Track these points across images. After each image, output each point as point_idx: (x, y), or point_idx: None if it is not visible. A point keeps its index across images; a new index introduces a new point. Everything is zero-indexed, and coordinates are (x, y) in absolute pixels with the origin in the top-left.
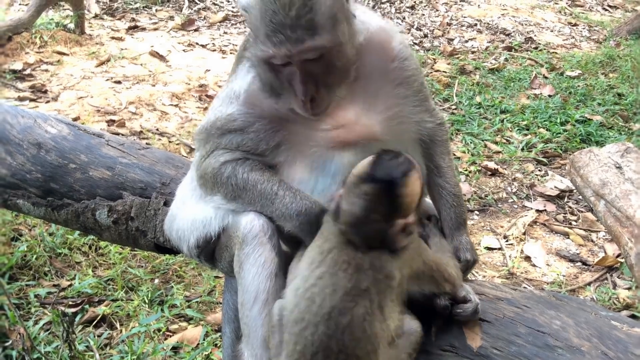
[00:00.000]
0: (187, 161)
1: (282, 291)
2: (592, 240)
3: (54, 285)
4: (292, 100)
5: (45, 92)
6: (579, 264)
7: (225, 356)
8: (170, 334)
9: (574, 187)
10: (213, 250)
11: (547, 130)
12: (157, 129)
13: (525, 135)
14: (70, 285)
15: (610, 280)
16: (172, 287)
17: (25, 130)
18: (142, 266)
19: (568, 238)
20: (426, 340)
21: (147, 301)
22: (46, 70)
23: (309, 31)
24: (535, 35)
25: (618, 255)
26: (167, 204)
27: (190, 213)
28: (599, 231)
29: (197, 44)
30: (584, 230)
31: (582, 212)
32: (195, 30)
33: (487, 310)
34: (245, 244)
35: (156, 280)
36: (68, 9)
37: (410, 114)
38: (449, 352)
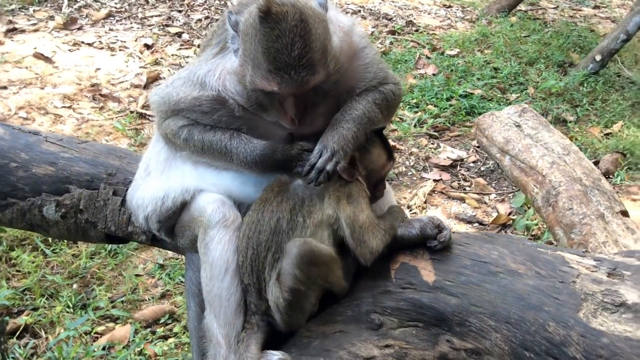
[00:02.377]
0: (129, 151)
1: None
2: (485, 203)
3: None
4: (280, 116)
5: None
6: (477, 224)
7: (191, 328)
8: (99, 335)
9: (464, 157)
10: (173, 226)
11: (435, 106)
12: (53, 133)
13: (416, 112)
14: None
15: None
16: (94, 289)
17: None
18: (59, 272)
19: (464, 202)
20: (386, 282)
21: (70, 306)
22: None
23: (311, 70)
24: (414, 19)
25: (510, 214)
26: (116, 193)
27: (154, 184)
28: (490, 194)
29: (82, 42)
30: (477, 194)
31: (473, 178)
32: (79, 29)
33: (436, 250)
34: (210, 229)
35: (75, 285)
36: None
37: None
38: (408, 289)
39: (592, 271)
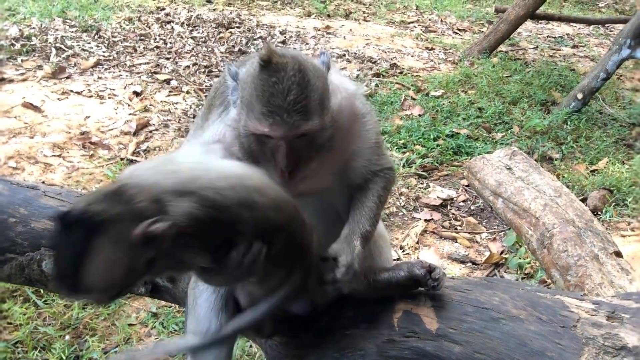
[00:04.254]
0: None
1: None
2: (477, 242)
3: None
4: (272, 168)
5: None
6: (469, 264)
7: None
8: None
9: (454, 196)
10: None
11: (422, 146)
12: (44, 182)
13: (404, 153)
14: None
15: (499, 275)
16: (86, 340)
17: None
18: (51, 324)
19: (456, 242)
20: (390, 331)
21: (63, 358)
22: None
23: (304, 116)
24: (398, 61)
25: (502, 252)
26: None
27: None
28: (481, 232)
29: (71, 91)
30: (469, 233)
31: (464, 217)
32: (68, 77)
33: (437, 297)
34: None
35: (67, 337)
36: None
37: (361, 164)
38: (412, 337)
39: (592, 315)
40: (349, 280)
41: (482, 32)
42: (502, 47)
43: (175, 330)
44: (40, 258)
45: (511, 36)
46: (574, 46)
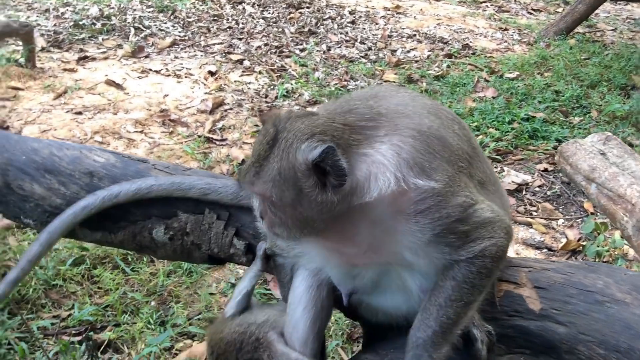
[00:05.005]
0: (229, 178)
1: None
2: (553, 228)
3: (54, 317)
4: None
5: (7, 128)
6: (545, 250)
7: None
8: (178, 352)
9: (530, 181)
10: None
11: (496, 129)
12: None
13: (477, 135)
14: (69, 315)
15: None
16: (171, 307)
17: (74, 161)
18: (138, 290)
19: (532, 227)
20: (492, 309)
21: (151, 322)
22: (3, 107)
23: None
24: (471, 42)
25: (579, 239)
26: (219, 217)
27: None
28: (558, 219)
29: (150, 70)
30: (545, 219)
31: (540, 202)
32: (146, 56)
33: (539, 279)
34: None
35: (153, 302)
36: (14, 44)
37: (430, 250)
38: (515, 317)
39: None
40: None
41: (558, 12)
42: (579, 29)
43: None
44: (151, 226)
45: (589, 17)
46: None
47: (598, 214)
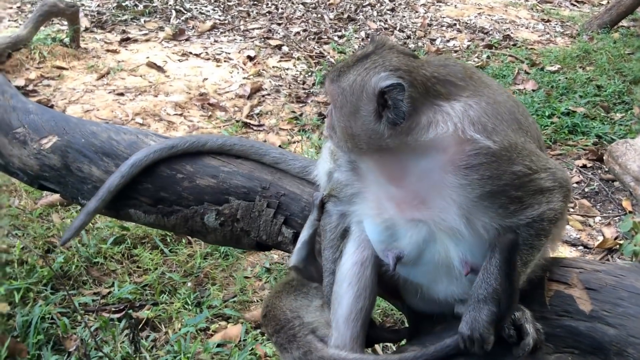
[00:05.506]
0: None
1: None
2: (589, 225)
3: (94, 293)
4: None
5: (52, 107)
6: (581, 247)
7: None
8: (213, 333)
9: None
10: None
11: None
12: None
13: None
14: (109, 293)
15: (612, 261)
16: (207, 288)
17: (131, 146)
18: (176, 271)
19: (568, 224)
20: (542, 308)
21: (189, 303)
22: (48, 86)
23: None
24: (512, 33)
25: (616, 238)
26: (269, 205)
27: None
28: (595, 216)
29: (190, 53)
30: (581, 216)
31: (577, 199)
32: (186, 39)
33: (590, 280)
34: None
35: (189, 284)
36: (59, 23)
37: (485, 213)
38: (565, 317)
39: None
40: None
41: (603, 4)
42: (624, 22)
43: None
44: (203, 212)
45: (634, 11)
46: None
47: (637, 213)
